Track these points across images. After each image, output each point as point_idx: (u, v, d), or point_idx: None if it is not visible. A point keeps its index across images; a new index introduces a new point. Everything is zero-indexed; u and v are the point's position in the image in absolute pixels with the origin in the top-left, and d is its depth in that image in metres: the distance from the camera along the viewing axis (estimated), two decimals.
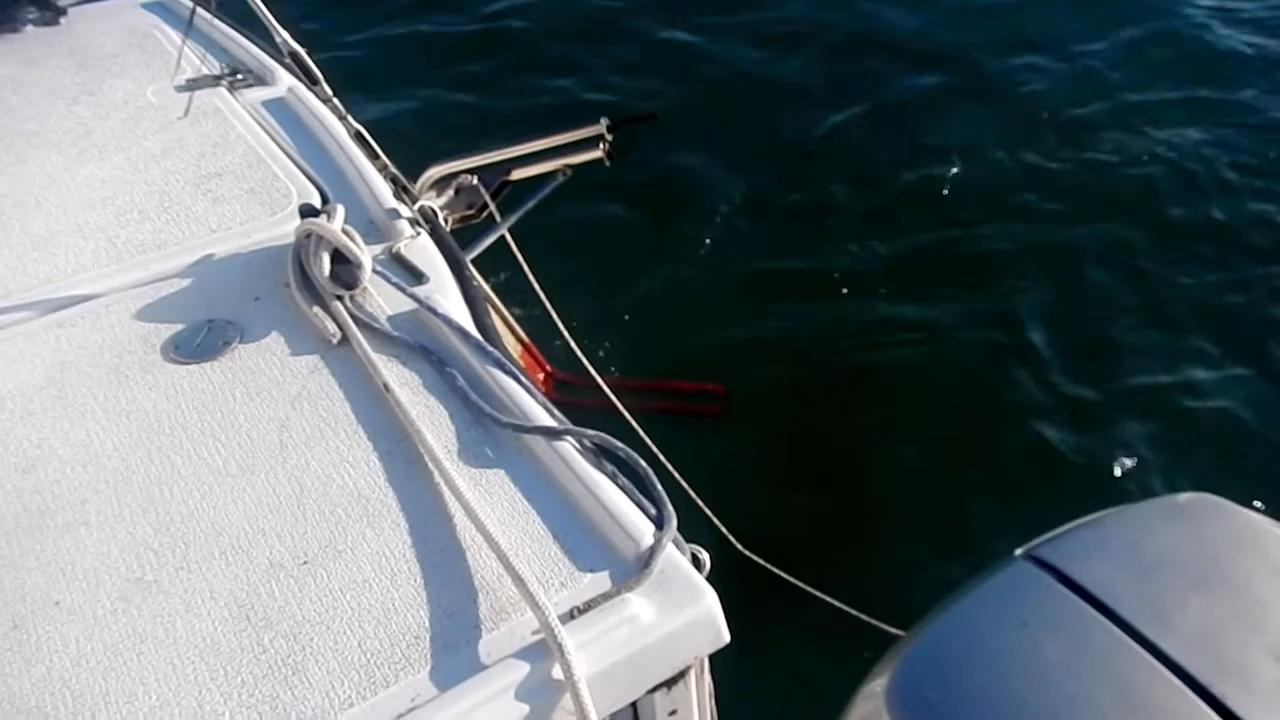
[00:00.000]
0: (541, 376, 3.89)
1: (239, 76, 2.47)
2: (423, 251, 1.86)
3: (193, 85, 2.43)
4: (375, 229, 1.91)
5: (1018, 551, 1.81)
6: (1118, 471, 3.66)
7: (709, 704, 1.33)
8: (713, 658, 1.25)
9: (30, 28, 2.80)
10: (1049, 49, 6.26)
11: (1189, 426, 3.86)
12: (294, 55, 2.42)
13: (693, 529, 1.32)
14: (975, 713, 1.54)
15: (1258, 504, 1.88)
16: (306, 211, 1.73)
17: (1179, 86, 5.90)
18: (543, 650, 1.12)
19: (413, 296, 1.66)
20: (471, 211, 2.95)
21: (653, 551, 1.21)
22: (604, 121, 3.17)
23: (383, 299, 1.70)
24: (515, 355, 3.44)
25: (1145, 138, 5.48)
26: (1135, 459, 3.72)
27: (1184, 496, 1.91)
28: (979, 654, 1.63)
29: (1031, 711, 1.53)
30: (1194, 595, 1.68)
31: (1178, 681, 1.55)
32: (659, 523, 1.27)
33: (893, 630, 2.15)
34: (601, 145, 3.18)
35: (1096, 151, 5.42)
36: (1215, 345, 4.23)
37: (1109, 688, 1.54)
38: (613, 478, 1.33)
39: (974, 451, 3.83)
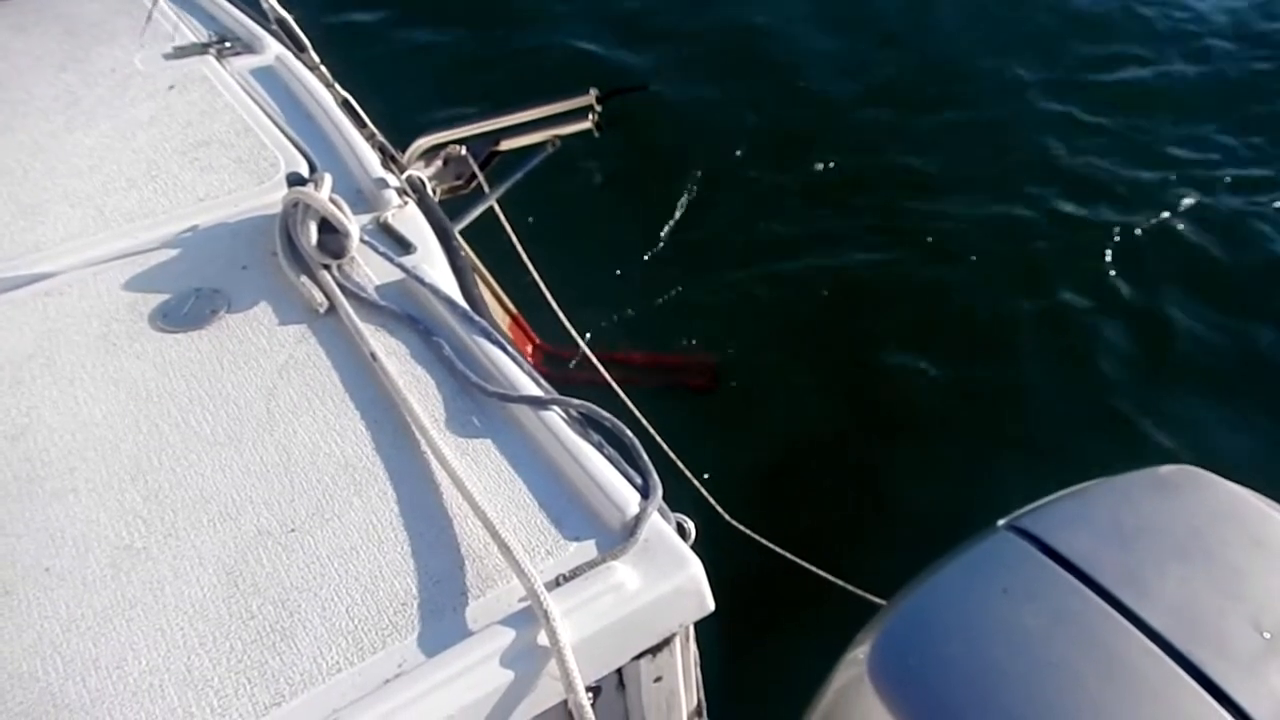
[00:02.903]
0: (530, 348, 3.89)
1: (226, 44, 2.44)
2: (410, 221, 1.85)
3: (180, 53, 2.41)
4: (363, 198, 1.90)
5: (1000, 522, 1.82)
6: (1101, 444, 3.69)
7: (693, 671, 1.35)
8: (697, 626, 1.26)
9: None
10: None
11: (1171, 399, 3.89)
12: (281, 22, 2.40)
13: (679, 499, 1.33)
14: (955, 679, 1.57)
15: (1238, 476, 1.90)
16: (294, 180, 1.72)
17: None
18: (528, 617, 1.13)
19: (400, 266, 1.65)
20: (460, 182, 2.94)
21: (638, 520, 1.22)
22: (593, 92, 3.15)
23: (370, 268, 1.70)
24: (503, 326, 3.44)
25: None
26: (1118, 431, 3.75)
27: (1166, 469, 1.93)
28: (960, 622, 1.65)
29: (1011, 678, 1.55)
30: (1174, 566, 1.70)
31: (1157, 649, 1.57)
32: (645, 492, 1.27)
33: (875, 599, 2.17)
34: (591, 116, 3.16)
35: (1089, 139, 5.41)
36: (1201, 319, 4.25)
37: (1089, 655, 1.56)
38: (599, 447, 1.34)
39: (959, 424, 3.85)
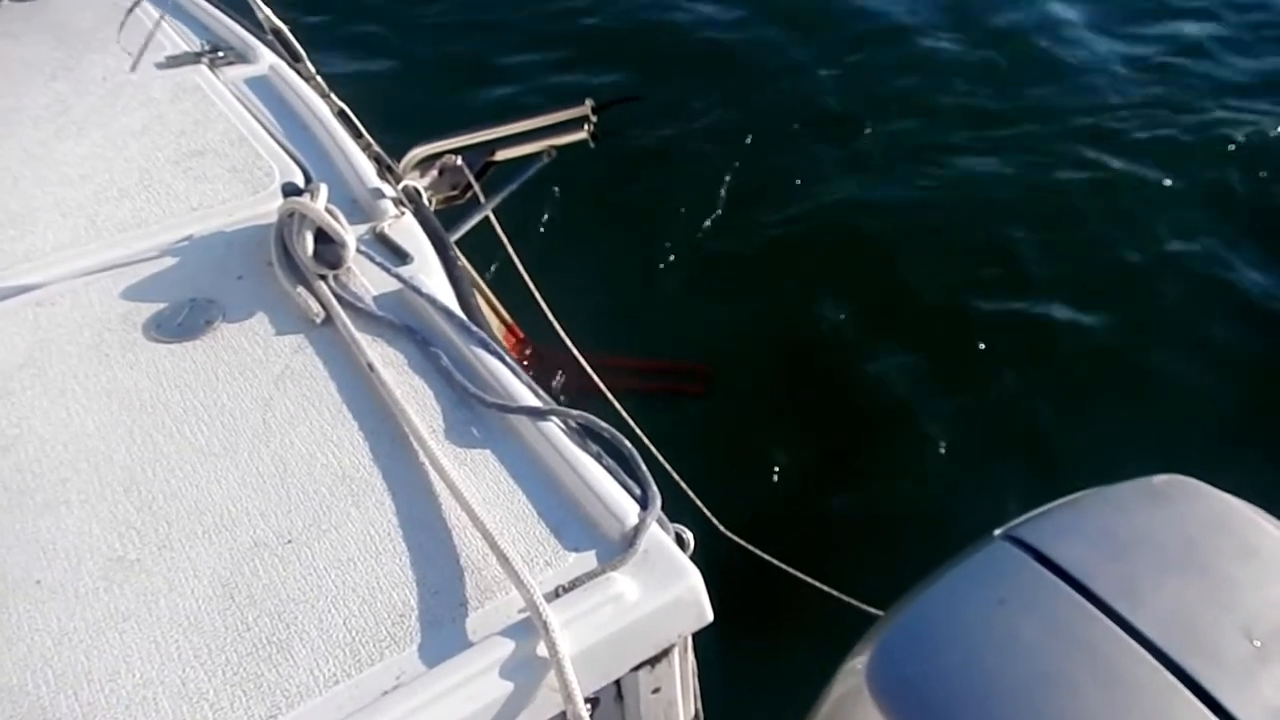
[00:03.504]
0: (526, 357, 3.88)
1: (220, 53, 2.44)
2: (407, 231, 1.85)
3: (173, 62, 2.40)
4: (359, 208, 1.90)
5: (996, 532, 1.83)
6: (1096, 453, 3.70)
7: (692, 682, 1.34)
8: (696, 636, 1.26)
9: (7, 2, 2.75)
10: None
11: (1166, 408, 3.90)
12: (276, 32, 2.39)
13: (676, 510, 1.33)
14: (953, 689, 1.57)
15: (1231, 486, 1.91)
16: (289, 190, 1.72)
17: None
18: (528, 628, 1.13)
19: (397, 276, 1.65)
20: (455, 192, 2.93)
21: (637, 531, 1.22)
22: (589, 102, 3.15)
23: (367, 279, 1.69)
24: (499, 336, 3.44)
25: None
26: (1113, 440, 3.76)
27: (1159, 478, 1.94)
28: (957, 632, 1.65)
29: (1008, 687, 1.55)
30: (1168, 575, 1.71)
31: (1151, 658, 1.58)
32: (643, 503, 1.27)
33: (872, 610, 2.17)
34: (586, 126, 3.16)
35: (1079, 138, 5.45)
36: (1197, 329, 4.27)
37: (1084, 664, 1.57)
38: (597, 458, 1.33)
39: (956, 434, 3.86)
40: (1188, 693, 1.54)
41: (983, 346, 4.23)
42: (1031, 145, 5.35)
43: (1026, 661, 1.58)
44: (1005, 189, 5.06)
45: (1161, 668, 1.57)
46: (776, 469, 3.77)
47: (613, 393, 2.79)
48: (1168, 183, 5.09)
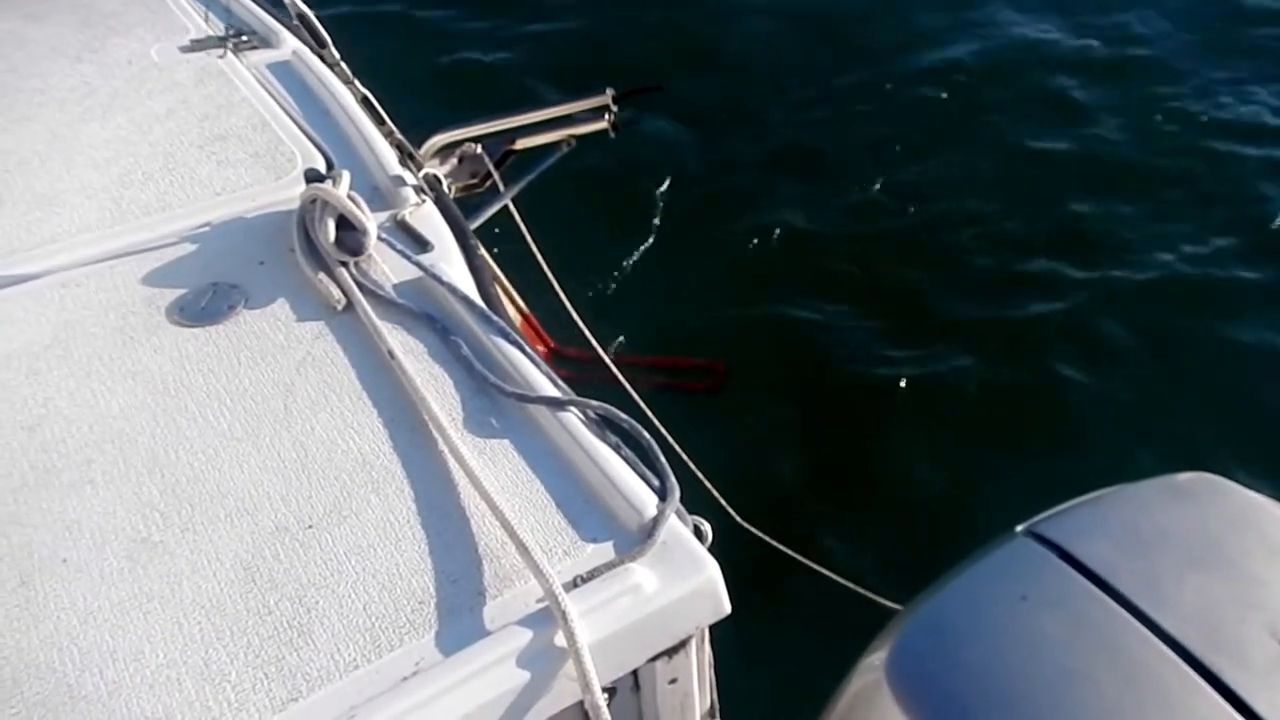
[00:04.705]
0: (541, 348, 3.88)
1: (244, 38, 2.44)
2: (427, 219, 1.85)
3: (197, 46, 2.41)
4: (380, 195, 1.90)
5: (1018, 528, 1.81)
6: (1120, 449, 3.67)
7: (708, 673, 1.34)
8: (713, 628, 1.26)
9: None
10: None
11: (1191, 404, 3.86)
12: (301, 17, 2.39)
13: (694, 502, 1.32)
14: (973, 685, 1.56)
15: (1257, 484, 1.89)
16: (312, 176, 1.72)
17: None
18: (546, 618, 1.13)
19: (418, 264, 1.65)
20: (475, 180, 2.93)
21: (656, 522, 1.22)
22: (609, 92, 3.14)
23: (387, 266, 1.69)
24: (516, 326, 3.44)
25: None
26: (1137, 436, 3.72)
27: (1184, 475, 1.91)
28: (978, 628, 1.64)
29: (1029, 684, 1.54)
30: (1192, 573, 1.69)
31: (1174, 656, 1.56)
32: (662, 494, 1.27)
33: (892, 604, 2.16)
34: (606, 116, 3.15)
35: (1106, 127, 5.39)
36: (1219, 324, 4.22)
37: (1106, 662, 1.56)
38: (616, 449, 1.33)
39: (976, 427, 3.83)
40: (1212, 691, 1.53)
41: (1004, 341, 4.19)
42: (1065, 138, 5.29)
43: (1048, 658, 1.57)
44: (1030, 209, 5.02)
45: (1185, 666, 1.55)
46: (795, 462, 3.76)
47: (630, 386, 2.79)
48: (1204, 180, 5.04)
